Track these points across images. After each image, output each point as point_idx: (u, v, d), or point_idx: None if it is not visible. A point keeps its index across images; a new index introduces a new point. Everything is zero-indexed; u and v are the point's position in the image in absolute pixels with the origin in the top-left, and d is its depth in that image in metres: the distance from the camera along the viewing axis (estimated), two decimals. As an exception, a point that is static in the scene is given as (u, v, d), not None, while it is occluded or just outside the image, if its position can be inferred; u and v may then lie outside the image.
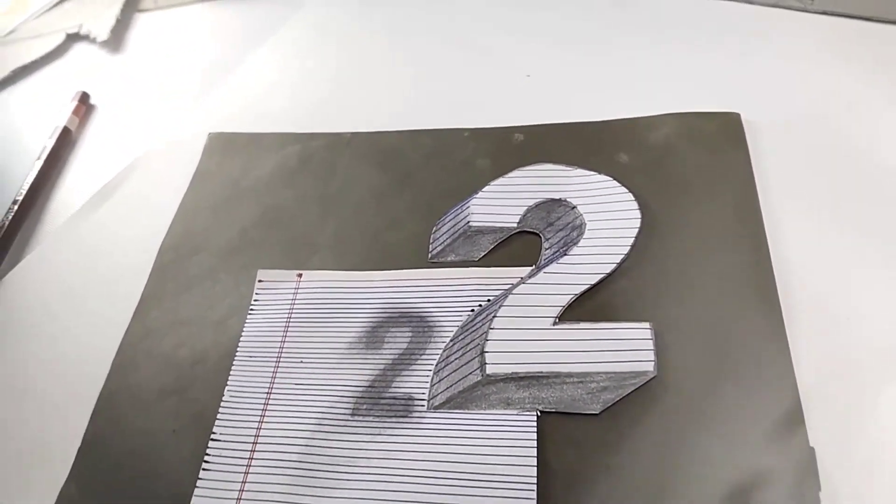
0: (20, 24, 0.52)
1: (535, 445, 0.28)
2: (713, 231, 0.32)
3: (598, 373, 0.29)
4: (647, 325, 0.30)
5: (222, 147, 0.42)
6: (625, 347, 0.30)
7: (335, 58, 0.46)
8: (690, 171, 0.35)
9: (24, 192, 0.40)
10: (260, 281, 0.35)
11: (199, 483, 0.29)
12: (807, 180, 0.34)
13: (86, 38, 0.51)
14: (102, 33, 0.50)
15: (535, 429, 0.28)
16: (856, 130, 0.36)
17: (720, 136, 0.36)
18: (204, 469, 0.29)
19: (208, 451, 0.30)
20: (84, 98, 0.46)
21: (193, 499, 0.28)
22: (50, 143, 0.43)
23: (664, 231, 0.33)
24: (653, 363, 0.29)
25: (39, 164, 0.41)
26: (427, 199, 0.37)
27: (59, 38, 0.51)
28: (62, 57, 0.51)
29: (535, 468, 0.27)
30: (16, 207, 0.39)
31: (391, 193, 0.37)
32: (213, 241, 0.37)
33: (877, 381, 0.28)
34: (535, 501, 0.26)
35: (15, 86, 0.49)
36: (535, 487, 0.27)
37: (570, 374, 0.29)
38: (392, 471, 0.28)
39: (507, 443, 0.28)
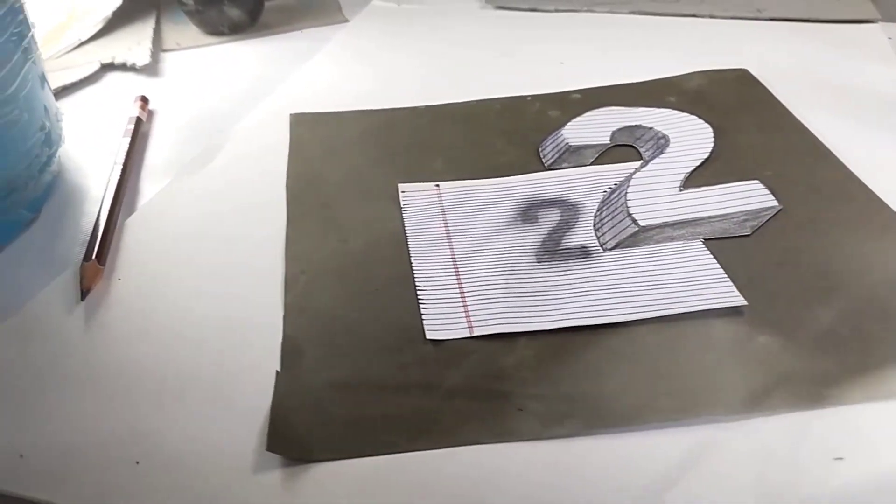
0: (52, 55, 0.54)
1: (710, 252, 0.32)
2: (765, 131, 0.41)
3: (736, 212, 0.35)
4: (755, 180, 0.36)
5: (308, 122, 0.45)
6: (748, 194, 0.35)
7: (379, 68, 0.52)
8: (728, 101, 0.44)
9: (120, 161, 0.40)
10: (403, 191, 0.38)
11: (422, 309, 0.30)
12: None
13: (122, 66, 0.53)
14: (142, 59, 0.53)
15: (703, 245, 0.33)
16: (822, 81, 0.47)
17: (740, 81, 0.46)
18: (422, 303, 0.31)
19: (419, 288, 0.31)
20: (145, 100, 0.48)
21: (425, 318, 0.30)
22: (129, 128, 0.44)
23: (731, 135, 0.40)
24: (775, 200, 0.35)
25: (126, 140, 0.42)
26: (516, 137, 0.42)
27: (94, 67, 0.53)
28: (98, 82, 0.52)
29: (720, 266, 0.32)
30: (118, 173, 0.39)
31: (482, 135, 0.42)
32: (332, 175, 0.40)
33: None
34: (733, 287, 0.30)
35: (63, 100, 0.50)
36: (727, 277, 0.31)
37: (712, 217, 0.34)
38: (594, 288, 0.31)
39: (686, 256, 0.32)
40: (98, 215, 0.36)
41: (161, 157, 0.43)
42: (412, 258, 0.33)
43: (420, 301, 0.31)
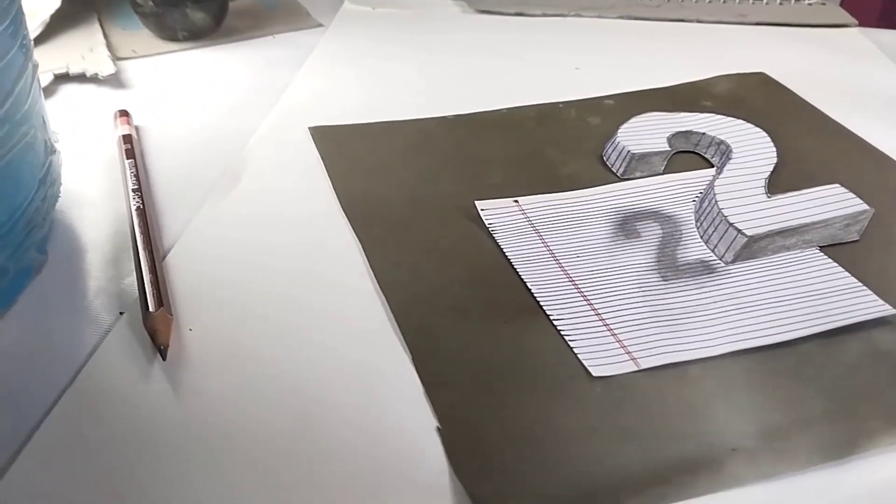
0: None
1: (831, 259, 0.31)
2: (814, 135, 0.41)
3: (835, 216, 0.34)
4: (836, 184, 0.36)
5: (332, 136, 0.40)
6: (836, 198, 0.35)
7: (376, 76, 0.48)
8: (763, 105, 0.44)
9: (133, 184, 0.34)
10: (483, 209, 0.34)
11: (573, 345, 0.27)
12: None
13: (79, 77, 0.46)
14: (105, 69, 0.46)
15: (824, 254, 0.32)
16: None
17: (765, 84, 0.46)
18: (568, 337, 0.27)
19: (556, 321, 0.28)
20: (126, 115, 0.41)
21: (581, 355, 0.27)
22: (126, 148, 0.37)
23: (784, 139, 0.39)
24: (864, 203, 0.34)
25: (131, 163, 0.36)
26: (566, 146, 0.40)
27: (47, 78, 0.45)
28: (54, 95, 0.45)
29: (851, 275, 0.30)
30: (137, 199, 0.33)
31: (529, 145, 0.40)
32: (388, 194, 0.36)
33: None
34: (874, 296, 0.29)
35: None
36: (864, 286, 0.30)
37: (815, 223, 0.33)
38: (739, 306, 0.29)
39: (811, 266, 0.31)
40: (137, 254, 0.30)
41: (170, 180, 0.37)
42: (528, 284, 0.30)
43: (565, 334, 0.28)
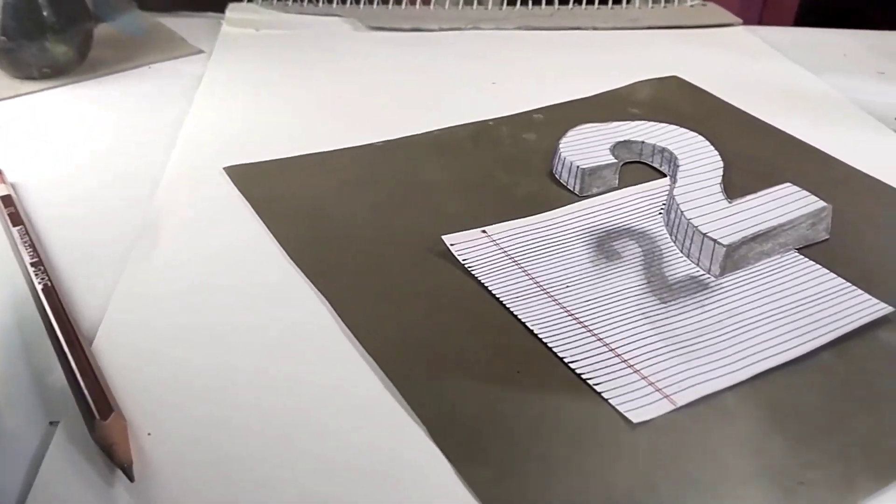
0: None
1: (814, 262, 0.31)
2: (746, 135, 0.41)
3: (798, 216, 0.33)
4: (787, 183, 0.35)
5: (253, 175, 0.36)
6: (792, 198, 0.34)
7: (277, 102, 0.43)
8: (687, 108, 0.44)
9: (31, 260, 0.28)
10: (453, 245, 0.31)
11: (604, 392, 0.24)
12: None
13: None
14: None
15: (801, 256, 0.31)
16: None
17: (680, 88, 0.46)
18: (595, 383, 0.25)
19: (577, 368, 0.25)
20: (-1, 172, 0.34)
21: (615, 402, 0.24)
22: (10, 211, 0.31)
23: (719, 142, 0.39)
24: (820, 199, 0.34)
25: (19, 230, 0.30)
26: (511, 165, 0.38)
27: None
28: None
29: (839, 277, 0.30)
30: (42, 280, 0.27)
31: (473, 167, 0.37)
32: (338, 236, 0.32)
33: None
34: (868, 296, 0.29)
35: None
36: (855, 288, 0.29)
37: (782, 225, 0.33)
38: (749, 322, 0.28)
39: (797, 270, 0.30)
40: (60, 345, 0.24)
41: (70, 246, 0.31)
42: (528, 324, 0.27)
43: (589, 380, 0.25)
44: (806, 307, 0.28)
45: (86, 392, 0.22)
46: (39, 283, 0.27)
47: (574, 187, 0.36)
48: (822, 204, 0.34)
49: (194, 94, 0.44)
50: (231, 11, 0.55)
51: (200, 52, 0.50)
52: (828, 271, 0.30)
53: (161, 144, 0.38)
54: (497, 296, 0.28)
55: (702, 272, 0.31)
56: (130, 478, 0.20)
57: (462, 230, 0.32)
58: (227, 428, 0.23)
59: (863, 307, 0.28)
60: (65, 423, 0.23)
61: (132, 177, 0.36)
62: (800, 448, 0.23)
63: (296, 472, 0.22)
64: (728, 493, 0.21)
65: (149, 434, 0.22)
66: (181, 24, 0.54)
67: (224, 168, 0.36)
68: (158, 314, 0.27)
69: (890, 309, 0.28)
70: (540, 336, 0.27)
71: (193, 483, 0.21)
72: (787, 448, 0.23)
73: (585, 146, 0.38)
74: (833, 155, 0.39)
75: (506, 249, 0.31)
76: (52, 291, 0.26)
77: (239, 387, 0.24)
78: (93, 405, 0.22)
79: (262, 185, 0.35)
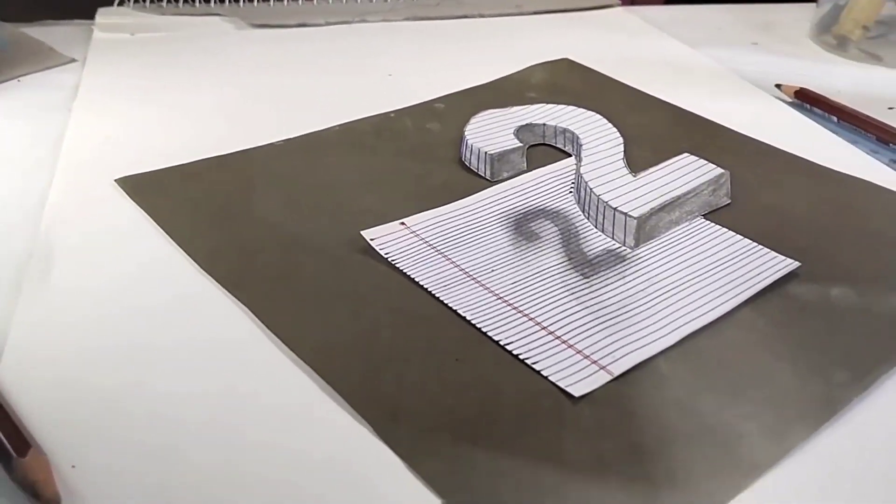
0: None
1: (721, 226, 0.32)
2: (636, 110, 0.42)
3: (700, 184, 0.35)
4: (685, 154, 0.37)
5: (147, 186, 0.34)
6: (692, 167, 0.36)
7: (162, 108, 0.41)
8: (581, 88, 0.45)
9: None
10: (372, 239, 0.30)
11: (542, 370, 0.25)
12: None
13: None
14: None
15: (708, 221, 0.32)
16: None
17: (571, 69, 0.47)
18: (532, 362, 0.25)
19: (514, 349, 0.25)
20: None
21: (555, 378, 0.24)
22: None
23: (615, 119, 0.40)
24: (719, 168, 0.36)
25: None
26: (420, 156, 0.37)
27: None
28: None
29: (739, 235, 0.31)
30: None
31: (381, 160, 0.37)
32: (250, 241, 0.31)
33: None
34: (776, 254, 0.30)
35: None
36: (763, 247, 0.31)
37: (686, 193, 0.34)
38: (669, 288, 0.29)
39: (707, 235, 0.32)
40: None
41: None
42: (461, 312, 0.27)
43: (526, 359, 0.25)
44: (720, 269, 0.30)
45: (-5, 430, 0.20)
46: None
47: (485, 173, 0.36)
48: (719, 171, 0.35)
49: (71, 104, 0.41)
50: (101, 16, 0.52)
51: (73, 60, 0.47)
52: (735, 234, 0.32)
53: (43, 161, 0.36)
54: (424, 286, 0.28)
55: (618, 245, 0.31)
56: (60, 516, 0.19)
57: (379, 224, 0.31)
58: (159, 453, 0.21)
59: (772, 264, 0.30)
60: (-28, 468, 0.20)
61: (15, 198, 0.33)
62: (732, 403, 0.24)
63: (240, 490, 0.20)
64: (675, 455, 0.22)
65: (73, 467, 0.21)
66: (47, 34, 0.50)
67: (116, 180, 0.34)
68: (64, 341, 0.25)
69: (797, 264, 0.30)
70: (472, 321, 0.26)
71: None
72: (721, 404, 0.24)
73: (490, 132, 0.38)
74: (722, 124, 0.41)
75: (426, 239, 0.31)
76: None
77: (168, 408, 0.23)
78: (7, 443, 0.20)
79: (160, 194, 0.33)
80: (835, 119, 0.43)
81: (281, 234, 0.31)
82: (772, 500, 0.21)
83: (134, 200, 0.33)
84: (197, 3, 0.54)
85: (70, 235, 0.31)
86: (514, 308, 0.27)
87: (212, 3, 0.55)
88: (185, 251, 0.30)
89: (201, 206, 0.33)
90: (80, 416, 0.22)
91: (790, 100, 0.45)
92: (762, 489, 0.21)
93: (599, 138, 0.37)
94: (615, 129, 0.38)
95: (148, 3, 0.54)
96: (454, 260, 0.30)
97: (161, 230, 0.31)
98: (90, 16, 0.53)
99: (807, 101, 0.44)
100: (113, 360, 0.24)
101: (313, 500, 0.20)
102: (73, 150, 0.37)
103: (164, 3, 0.54)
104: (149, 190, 0.34)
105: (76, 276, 0.28)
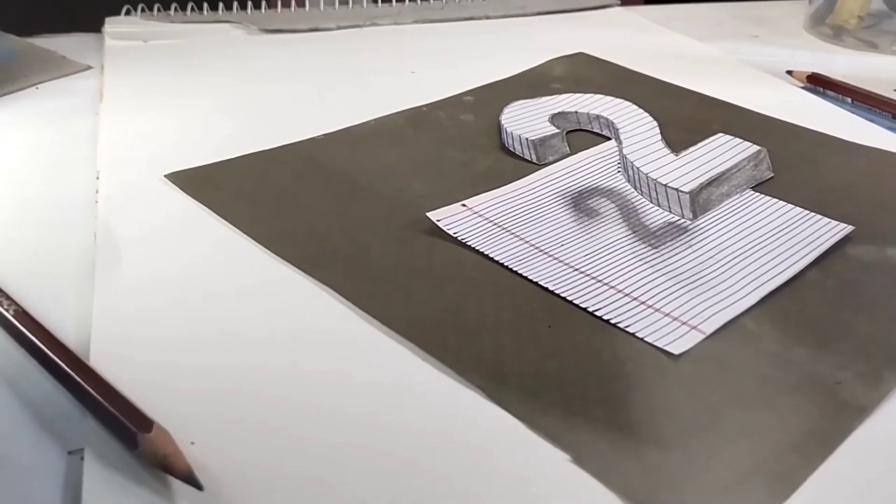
0: None
1: (773, 197, 0.33)
2: (662, 97, 0.43)
3: (741, 160, 0.36)
4: (720, 133, 0.38)
5: (200, 179, 0.34)
6: (731, 144, 0.37)
7: (187, 112, 0.41)
8: (604, 80, 0.46)
9: None
10: (440, 220, 0.31)
11: (637, 332, 0.25)
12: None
13: None
14: None
15: (760, 193, 0.33)
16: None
17: (590, 62, 0.48)
18: (626, 326, 0.25)
19: (604, 314, 0.26)
20: None
21: (652, 339, 0.25)
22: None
23: (645, 106, 0.41)
24: (755, 145, 0.37)
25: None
26: (460, 145, 0.38)
27: None
28: None
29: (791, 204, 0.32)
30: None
31: (422, 151, 0.37)
32: (317, 226, 0.31)
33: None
34: (829, 220, 0.31)
35: None
36: (817, 214, 0.32)
37: (728, 169, 0.35)
38: (739, 251, 0.29)
39: (760, 205, 0.33)
40: (67, 370, 0.21)
41: (18, 274, 0.28)
42: (543, 283, 0.27)
43: (618, 323, 0.25)
44: (781, 236, 0.30)
45: (114, 412, 0.20)
46: (9, 309, 0.23)
47: (531, 157, 0.36)
48: (756, 147, 0.36)
49: (95, 108, 0.41)
50: (111, 25, 0.51)
51: (89, 67, 0.46)
52: (787, 203, 0.32)
53: (79, 162, 0.35)
54: (499, 261, 0.28)
55: (678, 218, 0.32)
56: (198, 486, 0.18)
57: (438, 207, 0.31)
58: (268, 430, 0.21)
59: (828, 229, 0.31)
60: (90, 449, 0.20)
61: (61, 195, 0.32)
62: (823, 354, 0.24)
63: (352, 465, 0.20)
64: (783, 403, 0.22)
65: (192, 443, 0.20)
66: (53, 44, 0.49)
67: (165, 175, 0.33)
68: (150, 326, 0.25)
69: (851, 227, 0.30)
70: (556, 291, 0.27)
71: (260, 484, 0.19)
72: (812, 357, 0.24)
73: (525, 120, 0.39)
74: (746, 107, 0.42)
75: (490, 219, 0.31)
76: (24, 316, 0.23)
77: (269, 386, 0.23)
78: (129, 423, 0.19)
79: (213, 187, 0.33)
80: (849, 100, 0.44)
81: (343, 219, 0.31)
82: (875, 445, 0.21)
83: (188, 194, 0.32)
84: (205, 11, 0.54)
85: (129, 227, 0.30)
86: (593, 277, 0.28)
87: (220, 11, 0.55)
88: (252, 237, 0.29)
89: (256, 197, 0.32)
90: (181, 395, 0.22)
91: (802, 85, 0.46)
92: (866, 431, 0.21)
93: (634, 122, 0.38)
94: (646, 113, 0.39)
95: (156, 11, 0.53)
96: (522, 236, 0.30)
97: (220, 220, 0.31)
98: (91, 28, 0.52)
99: (820, 84, 0.46)
100: (201, 343, 0.24)
101: (427, 469, 0.20)
102: (110, 148, 0.36)
103: (171, 12, 0.54)
104: (201, 183, 0.33)
105: (145, 265, 0.28)
